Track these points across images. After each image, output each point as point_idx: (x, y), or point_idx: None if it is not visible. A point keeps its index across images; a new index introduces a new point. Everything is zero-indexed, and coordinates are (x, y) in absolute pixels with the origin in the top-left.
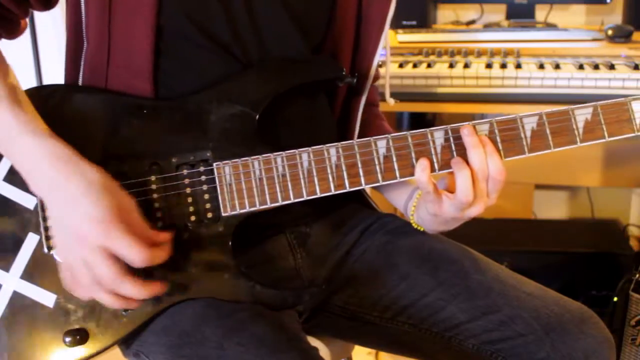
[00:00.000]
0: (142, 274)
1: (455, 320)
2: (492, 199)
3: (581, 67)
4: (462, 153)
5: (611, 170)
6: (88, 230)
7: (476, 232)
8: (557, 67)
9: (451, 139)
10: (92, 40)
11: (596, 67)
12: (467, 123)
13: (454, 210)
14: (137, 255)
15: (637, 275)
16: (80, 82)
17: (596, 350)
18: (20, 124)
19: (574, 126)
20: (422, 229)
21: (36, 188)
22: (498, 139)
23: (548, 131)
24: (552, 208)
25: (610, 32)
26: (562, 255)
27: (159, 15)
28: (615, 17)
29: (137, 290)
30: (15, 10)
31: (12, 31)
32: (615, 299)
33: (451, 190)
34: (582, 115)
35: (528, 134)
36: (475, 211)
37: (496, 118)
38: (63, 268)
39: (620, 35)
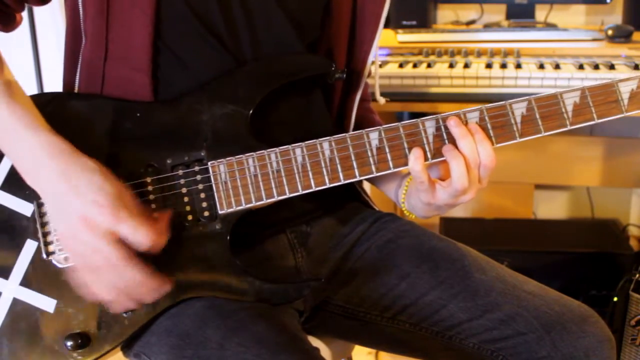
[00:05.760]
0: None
1: (455, 319)
2: (483, 184)
3: (581, 67)
4: (454, 141)
5: (611, 170)
6: (95, 214)
7: (476, 232)
8: (557, 67)
9: (442, 127)
10: (90, 35)
11: (596, 67)
12: (455, 112)
13: (448, 197)
14: (143, 237)
15: (637, 275)
16: (77, 79)
17: (597, 349)
18: (17, 119)
19: (563, 110)
20: (413, 216)
21: (34, 182)
22: (489, 125)
23: (538, 116)
24: (552, 208)
25: (610, 32)
26: (562, 255)
27: (158, 6)
28: (615, 17)
29: (145, 274)
30: (11, 4)
31: (7, 24)
32: (615, 299)
33: (443, 178)
34: (570, 98)
35: (518, 119)
36: (468, 197)
37: (486, 105)
38: (78, 269)
39: (620, 35)
